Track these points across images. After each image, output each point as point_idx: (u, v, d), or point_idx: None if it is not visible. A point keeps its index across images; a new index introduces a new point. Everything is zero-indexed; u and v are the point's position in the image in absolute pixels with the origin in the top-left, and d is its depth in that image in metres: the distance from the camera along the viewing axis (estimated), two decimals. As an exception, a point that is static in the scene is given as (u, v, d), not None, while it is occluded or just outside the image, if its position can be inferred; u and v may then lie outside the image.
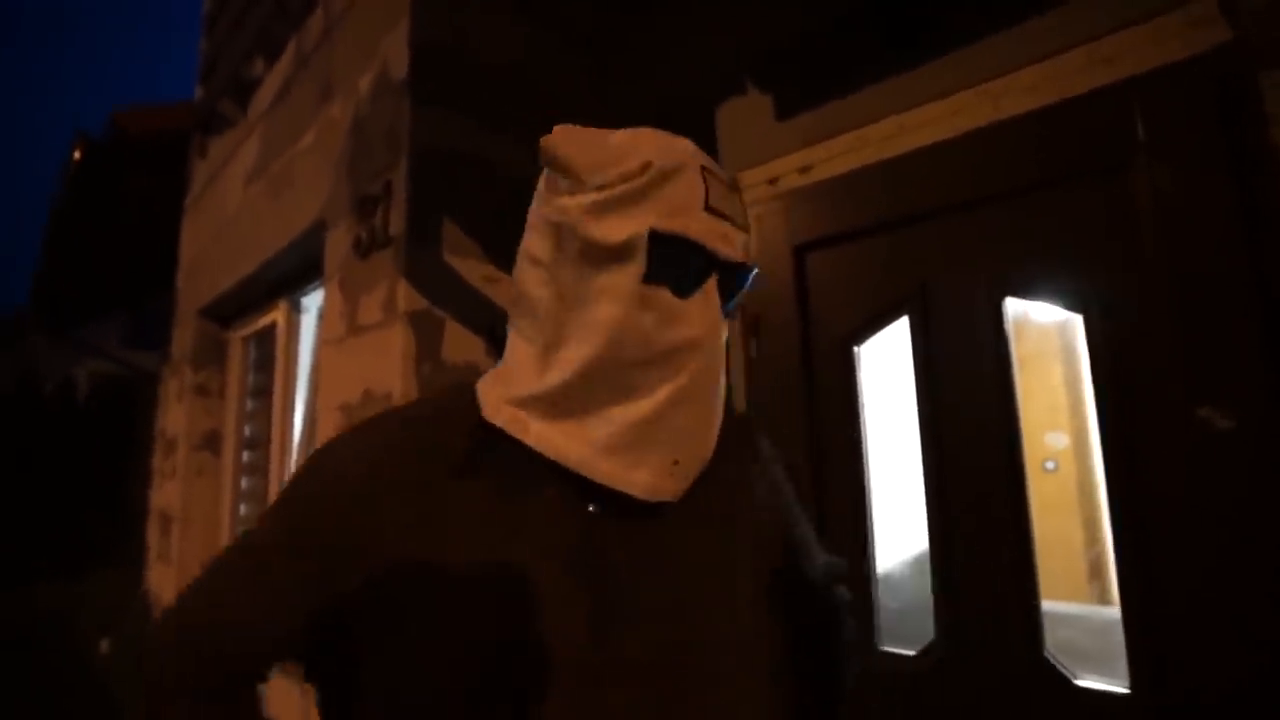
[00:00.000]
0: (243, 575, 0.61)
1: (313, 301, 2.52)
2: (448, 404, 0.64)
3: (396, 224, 1.55)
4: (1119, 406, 1.14)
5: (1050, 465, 2.24)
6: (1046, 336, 2.30)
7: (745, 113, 1.76)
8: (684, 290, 0.56)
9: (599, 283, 0.57)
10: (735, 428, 0.68)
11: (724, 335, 0.60)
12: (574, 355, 0.57)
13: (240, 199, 2.67)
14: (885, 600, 1.45)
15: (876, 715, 1.34)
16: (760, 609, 0.65)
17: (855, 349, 1.52)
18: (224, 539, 2.88)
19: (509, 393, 0.61)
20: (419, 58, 1.60)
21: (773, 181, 1.67)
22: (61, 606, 5.89)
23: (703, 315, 0.56)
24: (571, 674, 0.55)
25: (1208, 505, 1.03)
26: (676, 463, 0.56)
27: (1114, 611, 1.16)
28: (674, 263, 0.56)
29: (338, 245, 1.80)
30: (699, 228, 0.56)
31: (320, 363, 1.85)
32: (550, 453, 0.57)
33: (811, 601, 0.74)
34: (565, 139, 0.59)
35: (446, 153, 1.59)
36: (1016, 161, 1.29)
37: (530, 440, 0.58)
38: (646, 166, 0.56)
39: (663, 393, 0.55)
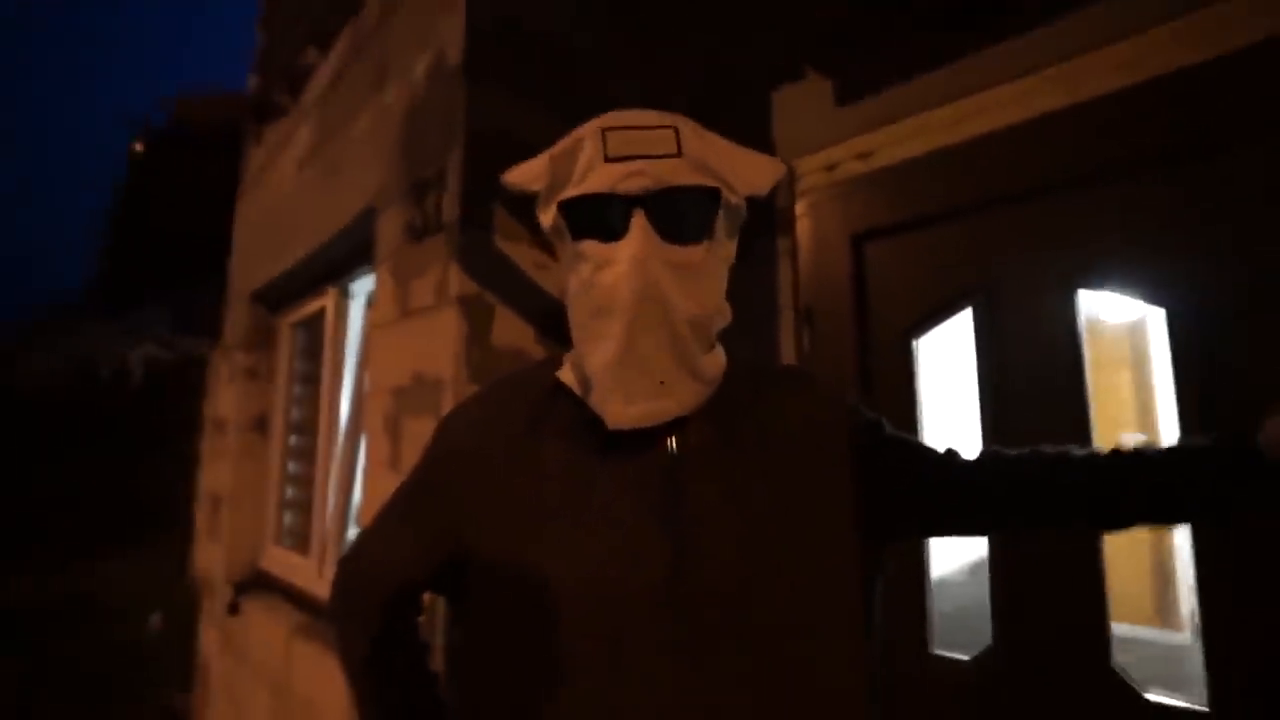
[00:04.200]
0: (387, 521, 0.78)
1: (361, 288, 2.58)
2: (542, 370, 0.76)
3: (450, 209, 1.58)
4: (1202, 408, 1.10)
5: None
6: (1116, 340, 2.22)
7: (803, 97, 1.75)
8: (612, 234, 0.64)
9: (563, 267, 0.72)
10: (792, 382, 0.77)
11: (690, 258, 0.65)
12: (574, 329, 0.71)
13: (293, 185, 2.77)
14: (939, 604, 1.43)
15: (928, 719, 1.32)
16: (833, 555, 0.67)
17: (914, 342, 1.50)
18: (271, 520, 2.99)
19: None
20: (474, 39, 1.63)
21: (831, 168, 1.66)
22: (108, 584, 6.22)
23: (632, 251, 0.63)
24: (654, 604, 0.62)
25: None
26: (662, 383, 0.64)
27: (1178, 636, 1.12)
28: (593, 218, 0.65)
29: (390, 230, 1.86)
30: (598, 180, 0.65)
31: (370, 346, 1.91)
32: (599, 414, 0.66)
33: (1005, 464, 0.71)
34: (509, 173, 0.73)
35: (500, 136, 1.61)
36: (1094, 146, 1.25)
37: (589, 401, 0.68)
38: (549, 160, 0.69)
39: (618, 327, 0.63)
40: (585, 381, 0.69)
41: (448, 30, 1.73)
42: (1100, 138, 1.24)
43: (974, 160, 1.41)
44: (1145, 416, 1.97)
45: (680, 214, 0.65)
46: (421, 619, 0.80)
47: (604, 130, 0.67)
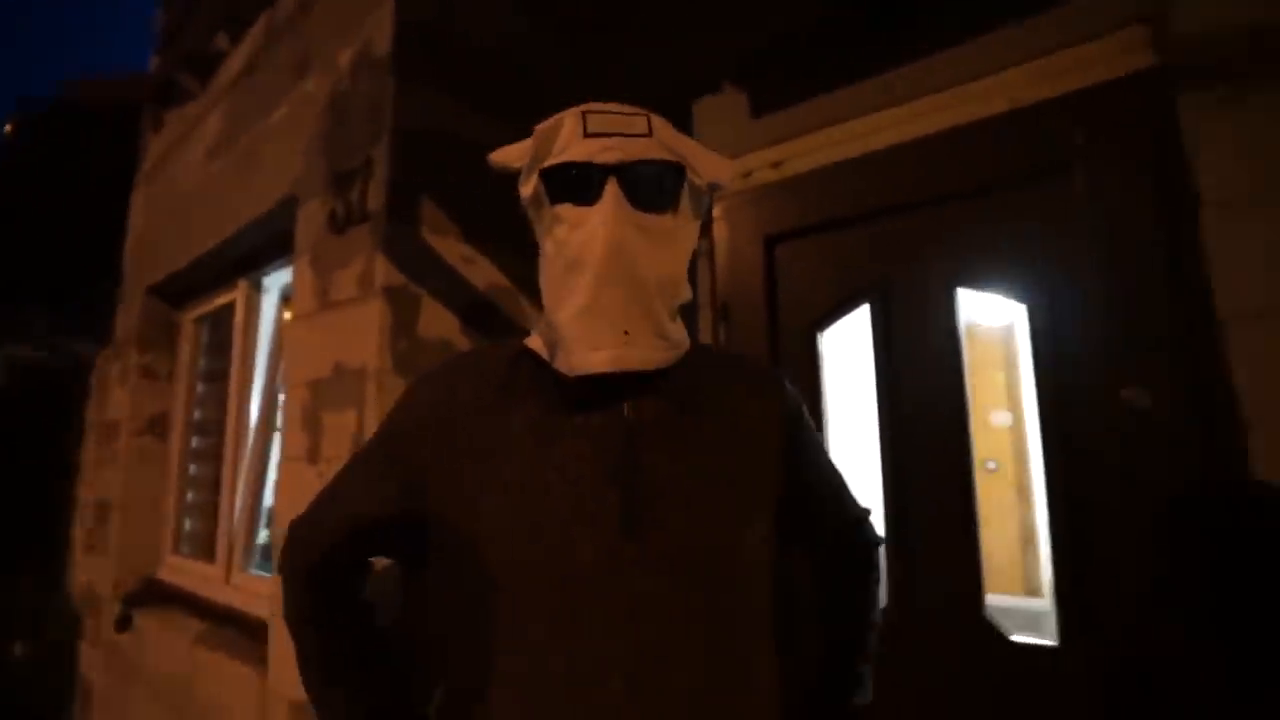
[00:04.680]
0: (350, 476, 0.81)
1: (274, 281, 2.52)
2: (509, 343, 0.82)
3: (375, 199, 1.59)
4: (1055, 389, 1.28)
5: (991, 465, 2.40)
6: (991, 342, 2.48)
7: (721, 110, 1.87)
8: (586, 199, 0.71)
9: (540, 233, 0.77)
10: (743, 366, 0.86)
11: (657, 225, 0.72)
12: (545, 292, 0.76)
13: (201, 174, 2.65)
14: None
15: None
16: (769, 531, 0.77)
17: (819, 334, 1.64)
18: (170, 526, 2.82)
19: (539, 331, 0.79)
20: (404, 35, 1.65)
21: (746, 175, 1.78)
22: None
23: (604, 212, 0.70)
24: (605, 562, 0.67)
25: (1130, 474, 1.17)
26: (627, 333, 0.69)
27: (1042, 603, 1.30)
28: (571, 184, 0.72)
29: (310, 221, 1.83)
30: (577, 151, 0.71)
31: (288, 339, 1.87)
32: (563, 368, 0.71)
33: (842, 538, 0.91)
34: (495, 153, 0.79)
35: (429, 132, 1.64)
36: (971, 163, 1.43)
37: (554, 363, 0.73)
38: (534, 138, 0.75)
39: (587, 280, 0.69)
40: (552, 342, 0.73)
41: (375, 23, 1.74)
42: (974, 157, 1.42)
43: (874, 171, 1.57)
44: (1014, 405, 2.24)
45: (649, 184, 0.72)
46: (368, 578, 0.82)
47: (584, 112, 0.74)
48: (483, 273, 1.70)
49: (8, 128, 4.55)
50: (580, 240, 0.70)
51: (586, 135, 0.72)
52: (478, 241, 1.69)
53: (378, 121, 1.64)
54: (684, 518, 0.70)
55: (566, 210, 0.72)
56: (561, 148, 0.73)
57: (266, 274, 2.50)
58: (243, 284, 2.56)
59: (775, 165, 1.74)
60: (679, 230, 0.75)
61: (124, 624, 2.62)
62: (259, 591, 2.17)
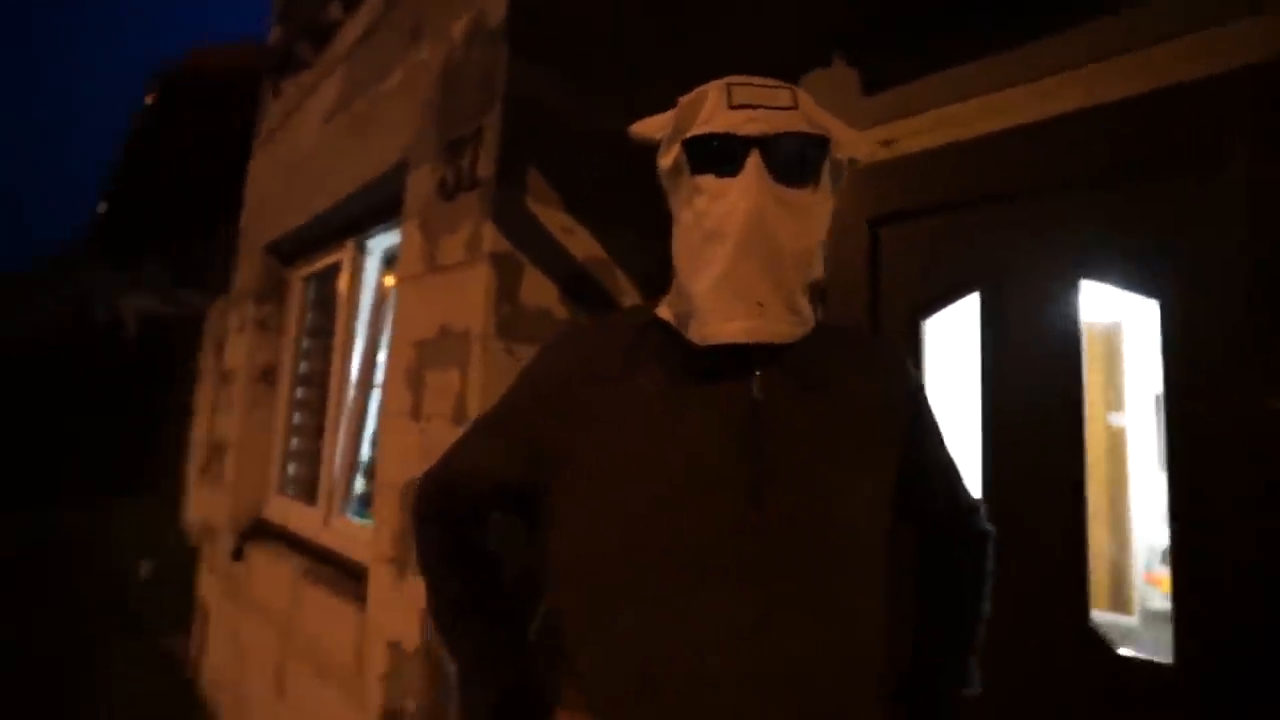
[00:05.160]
0: (478, 435, 0.86)
1: (377, 244, 2.64)
2: (637, 311, 0.86)
3: (486, 167, 1.64)
4: (1187, 393, 1.19)
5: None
6: (1093, 340, 2.32)
7: (828, 84, 1.81)
8: (728, 171, 0.71)
9: (678, 203, 0.78)
10: (866, 343, 0.89)
11: (797, 199, 0.72)
12: (679, 261, 0.77)
13: (316, 138, 2.80)
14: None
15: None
16: (886, 509, 0.78)
17: (922, 322, 1.59)
18: (276, 468, 3.05)
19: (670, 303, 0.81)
20: (517, 4, 1.68)
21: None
22: (93, 531, 6.25)
23: (745, 184, 0.70)
24: (731, 530, 0.69)
25: (1271, 488, 1.09)
26: (761, 304, 0.70)
27: (1129, 620, 1.23)
28: (713, 155, 0.72)
29: (421, 186, 1.90)
30: (722, 122, 0.72)
31: (396, 299, 1.96)
32: (695, 338, 0.72)
33: (954, 524, 0.92)
34: (636, 125, 0.81)
35: (538, 103, 1.67)
36: (1104, 147, 1.33)
37: (686, 333, 0.74)
38: (676, 107, 0.76)
39: (726, 251, 0.70)
40: (685, 312, 0.74)
41: (489, -7, 1.77)
42: (1115, 139, 1.32)
43: (992, 154, 1.49)
44: (1114, 408, 2.10)
45: (792, 157, 0.72)
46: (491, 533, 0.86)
47: (729, 85, 0.74)
48: (581, 244, 1.73)
49: (148, 98, 4.92)
50: (720, 211, 0.71)
51: (731, 107, 0.72)
52: (577, 213, 1.72)
53: (490, 90, 1.68)
54: (806, 493, 0.71)
55: (707, 181, 0.72)
56: (705, 119, 0.73)
57: (371, 236, 2.61)
58: (349, 245, 2.69)
59: (885, 144, 1.67)
60: (817, 205, 0.75)
61: (238, 555, 2.87)
62: (356, 536, 2.31)
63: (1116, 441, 2.06)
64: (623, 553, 0.71)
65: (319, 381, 2.90)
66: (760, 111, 0.71)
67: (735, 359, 0.73)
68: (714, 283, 0.70)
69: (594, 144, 1.71)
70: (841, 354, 0.81)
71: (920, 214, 1.60)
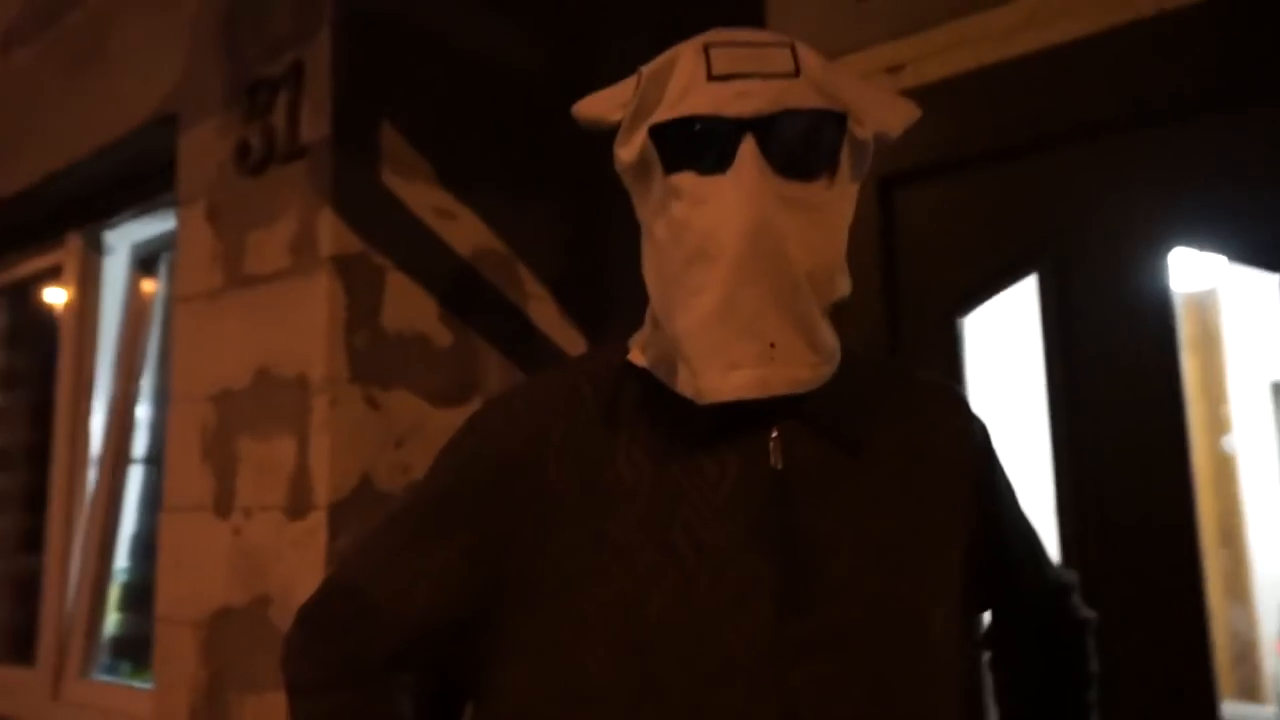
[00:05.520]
0: (398, 539, 0.83)
1: (123, 238, 2.54)
2: (602, 356, 0.86)
3: (314, 126, 1.57)
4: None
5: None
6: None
7: (806, -13, 1.84)
8: (715, 166, 0.71)
9: (648, 210, 0.78)
10: (914, 383, 0.91)
11: (809, 197, 0.73)
12: (655, 290, 0.78)
13: None
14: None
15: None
16: (960, 602, 0.81)
17: (959, 321, 1.65)
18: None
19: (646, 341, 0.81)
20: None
21: (847, 85, 1.76)
22: None
23: (739, 183, 0.70)
24: (756, 653, 0.70)
25: None
26: (773, 345, 0.70)
27: (1265, 711, 1.33)
28: (692, 145, 0.72)
29: (203, 152, 1.81)
30: (701, 100, 0.72)
31: (178, 329, 1.85)
32: (687, 393, 0.72)
33: (1042, 613, 0.97)
34: (583, 102, 0.81)
35: (389, 21, 1.60)
36: (1194, 66, 1.41)
37: (675, 386, 0.74)
38: (637, 81, 0.76)
39: (719, 275, 0.70)
40: (669, 356, 0.75)
41: None
42: (1200, 56, 1.40)
43: (1037, 81, 1.55)
44: (1215, 408, 2.24)
45: (799, 142, 0.72)
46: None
47: (707, 46, 0.73)
48: (467, 232, 1.70)
49: None
50: (707, 222, 0.71)
51: (712, 78, 0.72)
52: (459, 187, 1.69)
53: (311, 3, 1.60)
54: (858, 592, 0.73)
55: (687, 181, 0.72)
56: (678, 96, 0.73)
57: (112, 227, 2.51)
58: (74, 241, 2.56)
59: (891, 71, 1.72)
60: (837, 201, 0.76)
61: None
62: (108, 708, 2.19)
63: (1222, 458, 2.20)
64: (612, 698, 0.71)
65: (25, 462, 2.74)
66: (753, 82, 0.71)
67: (743, 416, 0.73)
68: (706, 318, 0.70)
69: (485, 79, 1.68)
70: (882, 396, 0.83)
71: (948, 168, 1.66)
